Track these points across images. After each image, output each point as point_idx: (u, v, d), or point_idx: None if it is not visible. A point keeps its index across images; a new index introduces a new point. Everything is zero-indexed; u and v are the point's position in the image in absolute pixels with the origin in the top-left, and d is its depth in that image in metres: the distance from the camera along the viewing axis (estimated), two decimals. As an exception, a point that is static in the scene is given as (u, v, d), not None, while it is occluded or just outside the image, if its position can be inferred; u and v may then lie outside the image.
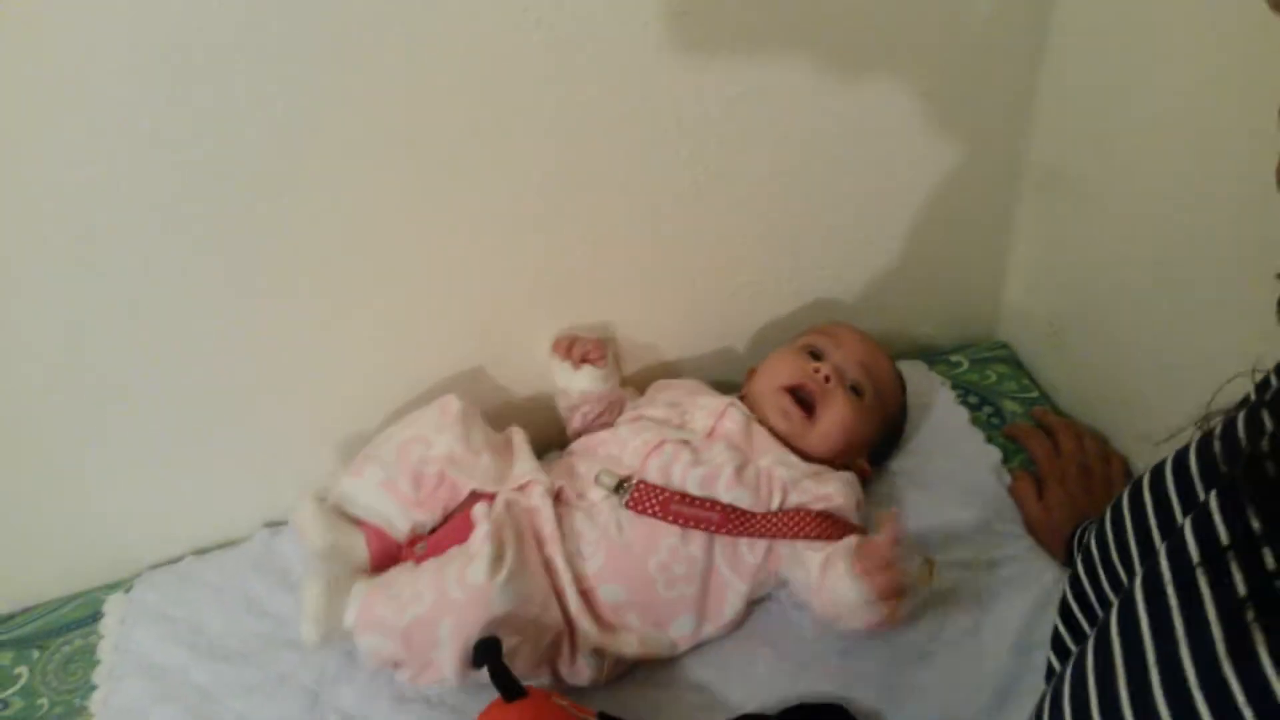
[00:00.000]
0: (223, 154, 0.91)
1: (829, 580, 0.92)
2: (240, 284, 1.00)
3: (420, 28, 0.89)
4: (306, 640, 0.93)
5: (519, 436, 1.10)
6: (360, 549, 1.01)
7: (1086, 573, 0.71)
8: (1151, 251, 1.03)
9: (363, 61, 0.90)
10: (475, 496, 1.02)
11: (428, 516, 1.03)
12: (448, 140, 0.97)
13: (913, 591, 0.91)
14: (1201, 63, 0.90)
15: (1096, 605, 0.71)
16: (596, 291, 1.15)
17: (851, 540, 0.94)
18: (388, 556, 1.01)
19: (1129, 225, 1.06)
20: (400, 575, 0.95)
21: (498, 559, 0.91)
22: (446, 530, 1.01)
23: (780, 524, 0.98)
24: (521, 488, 1.02)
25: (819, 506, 0.99)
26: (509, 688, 0.81)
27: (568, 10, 0.91)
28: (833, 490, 1.00)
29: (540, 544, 0.98)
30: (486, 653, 0.85)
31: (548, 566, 0.97)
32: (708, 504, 0.98)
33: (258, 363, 1.07)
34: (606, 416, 1.16)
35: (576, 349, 1.13)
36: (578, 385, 1.13)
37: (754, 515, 0.99)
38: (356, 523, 1.03)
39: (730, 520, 0.98)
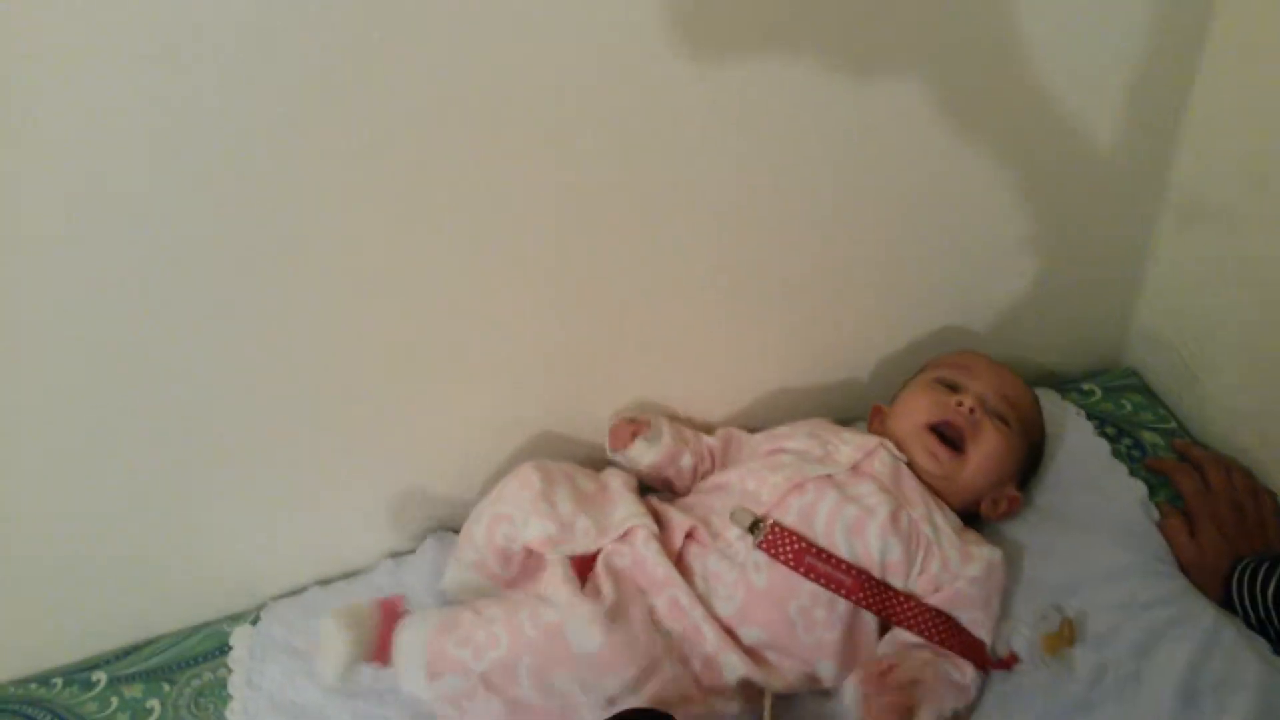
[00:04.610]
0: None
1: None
2: (374, 329, 1.00)
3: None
4: (325, 679, 0.93)
5: (617, 480, 1.07)
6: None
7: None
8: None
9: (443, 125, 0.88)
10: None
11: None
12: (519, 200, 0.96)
13: None
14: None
15: None
16: (684, 336, 1.13)
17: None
18: None
19: (1276, 253, 1.02)
20: (466, 615, 0.93)
21: (574, 597, 0.90)
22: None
23: (909, 614, 0.95)
24: (624, 536, 0.99)
25: (951, 594, 0.96)
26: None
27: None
28: (974, 575, 0.97)
29: (650, 593, 0.95)
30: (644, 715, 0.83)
31: (656, 616, 0.94)
32: (843, 566, 0.95)
33: (376, 402, 1.06)
34: (704, 466, 1.13)
35: (622, 432, 1.11)
36: (643, 461, 1.10)
37: (890, 590, 0.96)
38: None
39: (863, 589, 0.94)
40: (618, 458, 1.12)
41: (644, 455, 1.10)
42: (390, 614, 0.96)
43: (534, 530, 0.98)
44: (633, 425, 1.11)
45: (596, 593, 0.93)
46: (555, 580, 0.94)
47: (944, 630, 0.94)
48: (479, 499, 1.08)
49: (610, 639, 0.88)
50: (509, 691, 0.90)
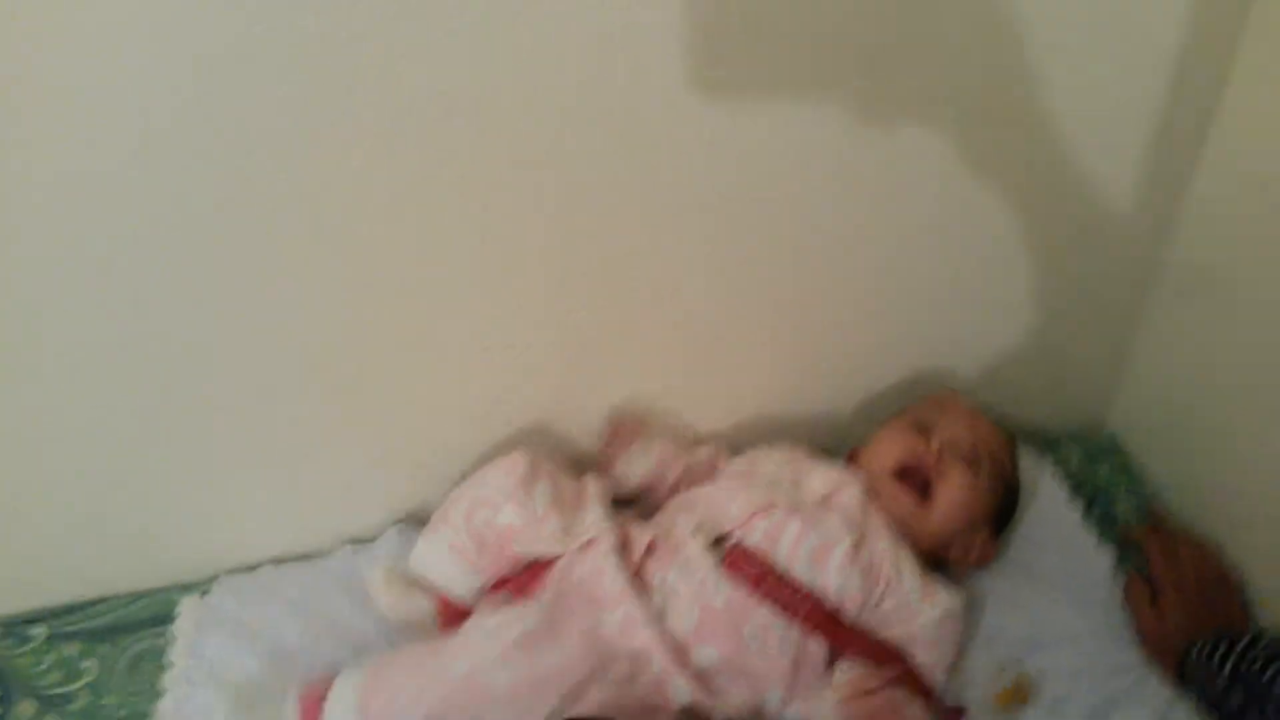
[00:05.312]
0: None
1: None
2: (349, 308, 0.99)
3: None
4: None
5: (594, 486, 1.06)
6: (430, 615, 1.00)
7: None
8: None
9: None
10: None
11: (491, 578, 1.01)
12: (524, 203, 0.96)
13: None
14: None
15: None
16: (672, 347, 1.13)
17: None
18: (457, 619, 0.98)
19: (1273, 333, 1.01)
20: (395, 666, 0.91)
21: (489, 638, 0.89)
22: (517, 583, 1.00)
23: (862, 646, 0.95)
24: (586, 545, 0.98)
25: (904, 634, 0.96)
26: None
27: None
28: (931, 619, 0.97)
29: (600, 607, 0.94)
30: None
31: (600, 633, 0.92)
32: (802, 593, 0.94)
33: (352, 383, 1.04)
34: (695, 476, 1.13)
35: (614, 445, 1.11)
36: (633, 474, 1.10)
37: (840, 624, 0.95)
38: (428, 591, 1.01)
39: (819, 617, 0.94)
40: (613, 473, 1.11)
41: (634, 468, 1.10)
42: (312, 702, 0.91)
43: (507, 517, 0.98)
44: (635, 426, 1.11)
45: (530, 611, 0.92)
46: (484, 609, 0.94)
47: (894, 665, 0.94)
48: (444, 496, 1.07)
49: (533, 669, 0.87)
50: None
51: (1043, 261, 1.12)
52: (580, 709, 0.87)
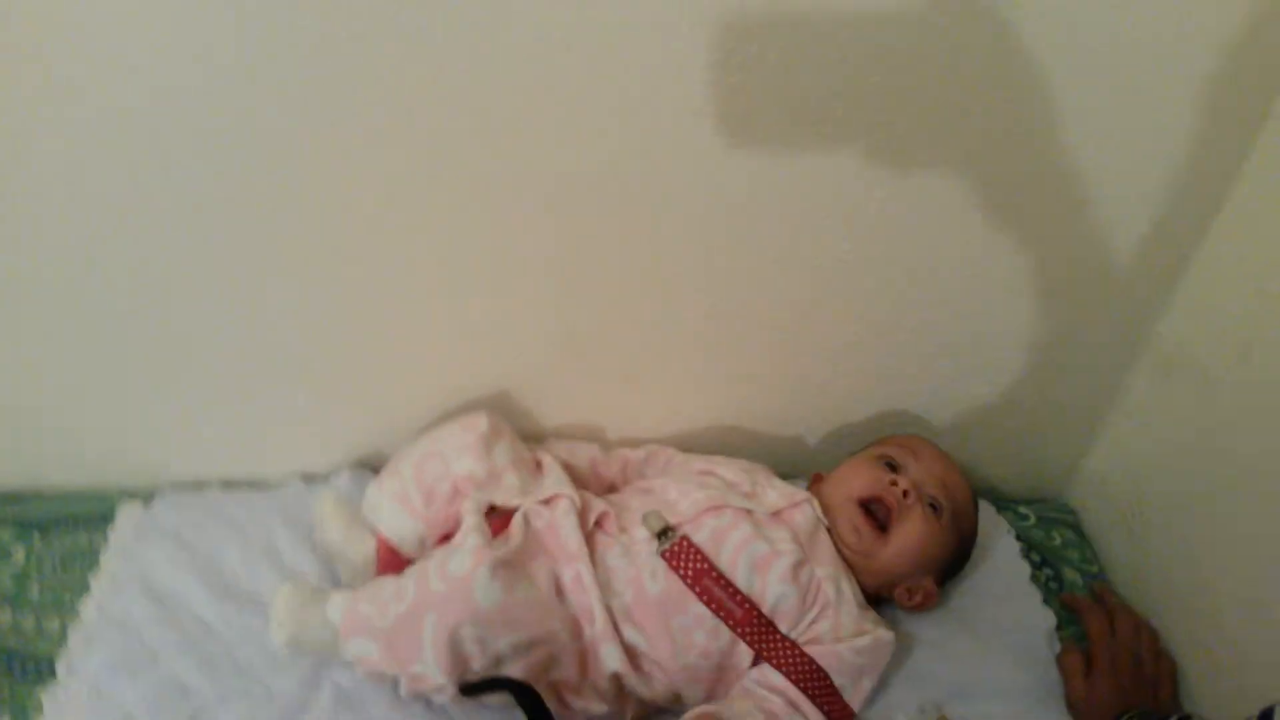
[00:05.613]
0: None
1: None
2: (326, 248, 0.99)
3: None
4: (276, 642, 0.90)
5: (549, 457, 1.07)
6: (369, 555, 1.00)
7: None
8: (1267, 463, 1.00)
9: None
10: (495, 511, 0.98)
11: (438, 531, 1.00)
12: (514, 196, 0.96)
13: None
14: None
15: None
16: (662, 352, 1.13)
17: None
18: (395, 568, 0.97)
19: (1248, 424, 1.02)
20: (386, 577, 0.92)
21: (483, 549, 0.88)
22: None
23: (785, 656, 0.94)
24: (547, 501, 0.98)
25: (830, 653, 0.95)
26: (540, 717, 0.76)
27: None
28: (860, 646, 0.96)
29: (557, 559, 0.94)
30: (515, 686, 0.80)
31: (561, 583, 0.93)
32: (738, 597, 0.94)
33: (325, 321, 1.04)
34: (638, 471, 1.15)
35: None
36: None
37: (775, 635, 0.95)
38: (374, 532, 1.01)
39: (749, 624, 0.94)
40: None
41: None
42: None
43: (463, 465, 0.99)
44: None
45: (506, 543, 0.92)
46: (468, 527, 0.92)
47: (813, 681, 0.93)
48: (401, 446, 1.07)
49: (510, 597, 0.87)
50: (410, 666, 0.88)
51: (1033, 322, 1.13)
52: (538, 655, 0.87)
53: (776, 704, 0.92)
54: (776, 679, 0.93)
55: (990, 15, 0.86)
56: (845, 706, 0.95)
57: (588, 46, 0.85)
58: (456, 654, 0.85)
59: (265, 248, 0.97)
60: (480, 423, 1.03)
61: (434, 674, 0.86)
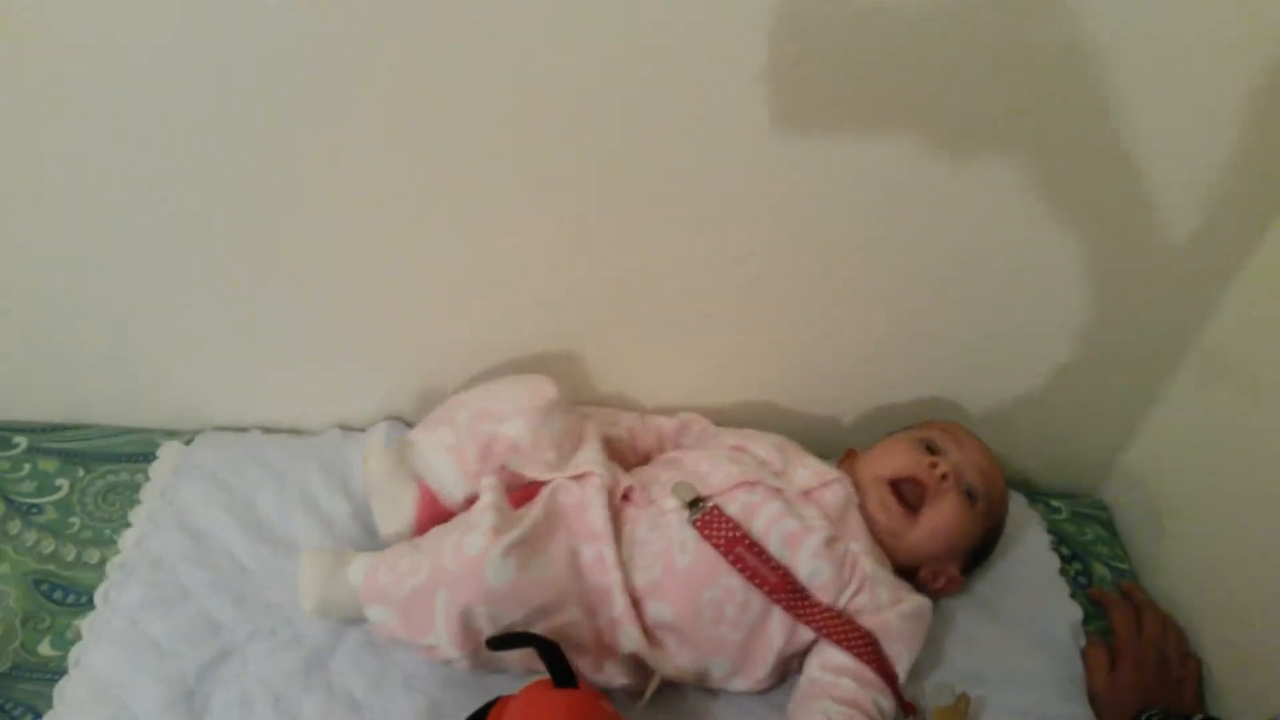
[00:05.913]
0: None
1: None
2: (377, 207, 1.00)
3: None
4: (305, 609, 0.92)
5: (591, 428, 1.07)
6: (409, 503, 0.99)
7: None
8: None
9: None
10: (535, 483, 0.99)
11: (477, 486, 0.99)
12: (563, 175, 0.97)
13: None
14: None
15: None
16: (700, 323, 1.13)
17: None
18: (435, 519, 0.98)
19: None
20: (404, 547, 0.93)
21: (498, 530, 0.88)
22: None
23: (831, 624, 0.94)
24: (578, 477, 0.98)
25: (879, 622, 0.95)
26: (562, 672, 0.77)
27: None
28: (904, 611, 0.96)
29: (579, 537, 0.94)
30: (540, 641, 0.81)
31: (579, 561, 0.93)
32: (772, 563, 0.94)
33: (371, 279, 1.05)
34: (671, 441, 1.15)
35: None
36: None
37: (810, 599, 0.95)
38: (416, 479, 1.00)
39: (785, 591, 0.94)
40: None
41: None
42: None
43: (513, 429, 0.98)
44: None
45: (522, 520, 0.92)
46: (485, 504, 0.92)
47: (869, 650, 0.93)
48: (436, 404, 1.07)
49: (523, 575, 0.87)
50: (423, 638, 0.89)
51: (1080, 315, 1.12)
52: (550, 623, 0.88)
53: (846, 687, 0.91)
54: (838, 657, 0.93)
55: (1053, 3, 0.85)
56: (896, 671, 0.95)
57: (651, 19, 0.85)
58: (468, 630, 0.86)
59: (318, 195, 0.98)
60: (547, 391, 1.02)
61: (446, 648, 0.87)
